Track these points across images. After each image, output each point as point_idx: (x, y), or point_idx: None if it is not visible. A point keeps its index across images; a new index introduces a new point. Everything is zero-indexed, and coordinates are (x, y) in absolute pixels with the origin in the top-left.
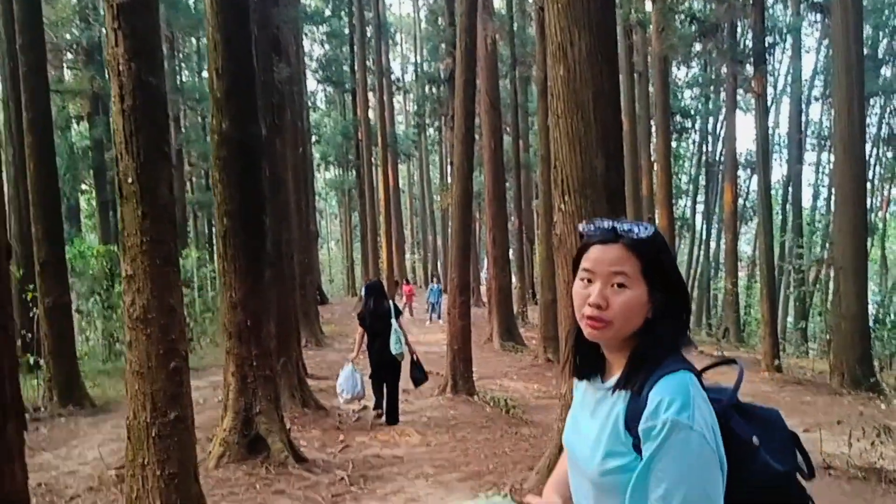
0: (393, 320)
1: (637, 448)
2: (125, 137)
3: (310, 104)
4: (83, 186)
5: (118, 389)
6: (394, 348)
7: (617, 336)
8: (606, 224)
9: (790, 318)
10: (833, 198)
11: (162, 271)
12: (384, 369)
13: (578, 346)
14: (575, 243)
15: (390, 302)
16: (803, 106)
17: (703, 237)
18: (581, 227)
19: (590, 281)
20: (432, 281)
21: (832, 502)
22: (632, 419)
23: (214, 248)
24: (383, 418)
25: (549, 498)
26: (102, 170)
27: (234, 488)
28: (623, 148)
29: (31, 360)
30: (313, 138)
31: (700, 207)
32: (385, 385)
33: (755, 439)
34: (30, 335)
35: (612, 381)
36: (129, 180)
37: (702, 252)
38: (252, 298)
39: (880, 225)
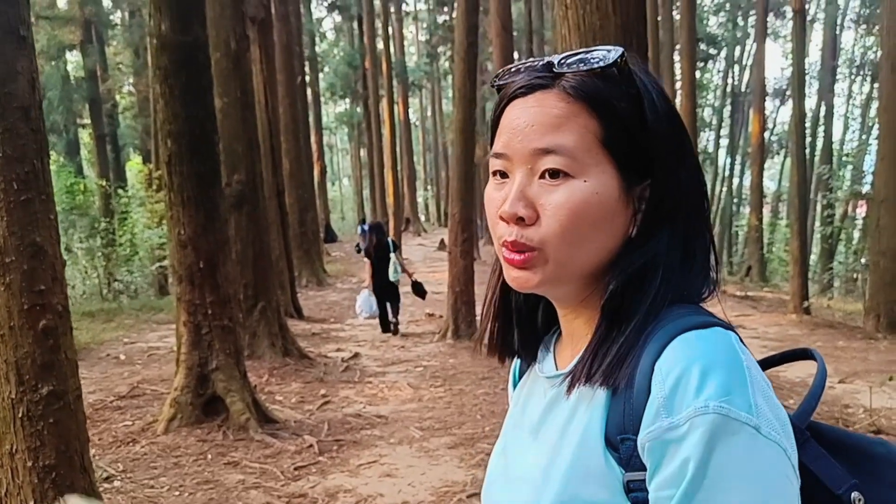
0: (391, 254)
1: (634, 489)
2: None
3: (316, 32)
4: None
5: (94, 333)
6: (392, 276)
7: (561, 278)
8: (538, 61)
9: (813, 257)
10: (864, 128)
11: (23, 199)
12: (385, 292)
13: (504, 300)
14: None
15: (388, 238)
16: (837, 30)
17: (727, 173)
18: (494, 76)
19: (504, 175)
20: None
21: None
22: (619, 428)
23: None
24: (391, 331)
25: None
26: (97, 101)
27: (181, 458)
28: (648, 47)
29: None
30: (323, 69)
31: (724, 142)
32: (388, 304)
33: (856, 497)
34: None
35: (573, 364)
36: None
37: (724, 188)
38: (205, 236)
39: None
